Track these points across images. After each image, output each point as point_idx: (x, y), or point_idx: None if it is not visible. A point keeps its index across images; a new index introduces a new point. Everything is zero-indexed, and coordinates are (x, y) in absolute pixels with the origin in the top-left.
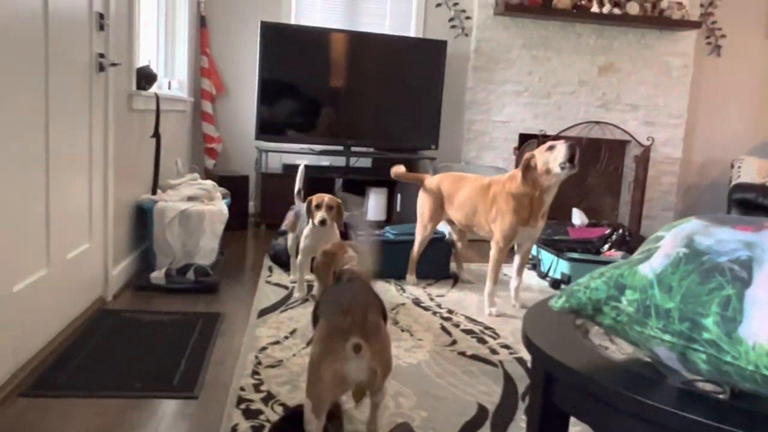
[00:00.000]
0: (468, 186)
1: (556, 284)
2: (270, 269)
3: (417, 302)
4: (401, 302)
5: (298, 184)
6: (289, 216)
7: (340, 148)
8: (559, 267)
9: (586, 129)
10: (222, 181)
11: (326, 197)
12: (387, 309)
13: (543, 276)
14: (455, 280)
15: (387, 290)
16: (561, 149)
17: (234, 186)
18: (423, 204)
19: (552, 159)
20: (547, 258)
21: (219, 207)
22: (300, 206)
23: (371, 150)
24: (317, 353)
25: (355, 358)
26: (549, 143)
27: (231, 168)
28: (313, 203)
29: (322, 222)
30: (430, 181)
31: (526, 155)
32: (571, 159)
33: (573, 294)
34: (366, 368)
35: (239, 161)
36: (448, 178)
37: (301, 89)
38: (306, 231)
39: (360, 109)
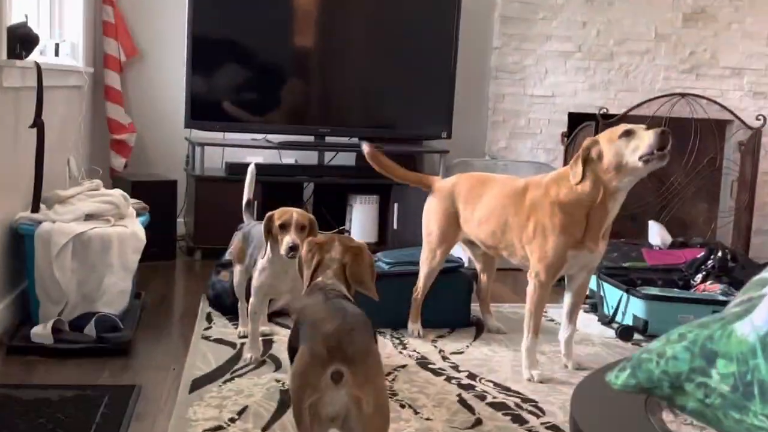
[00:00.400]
0: (494, 191)
1: (626, 333)
2: (209, 318)
3: (424, 363)
4: (401, 363)
5: (247, 192)
6: (236, 240)
7: (310, 138)
8: (631, 308)
9: (666, 105)
10: (137, 189)
11: (295, 213)
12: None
13: (607, 321)
14: (479, 329)
15: (381, 346)
16: (648, 136)
17: (155, 197)
18: (431, 219)
19: (630, 148)
20: (612, 295)
21: (132, 228)
22: (252, 225)
23: (355, 141)
24: (295, 387)
25: (334, 389)
26: (624, 127)
27: (150, 170)
28: (276, 222)
29: (292, 250)
30: (442, 185)
31: (586, 142)
32: (661, 148)
33: (641, 365)
34: (348, 399)
35: (162, 160)
36: (466, 181)
37: (253, 53)
38: (262, 263)
39: (339, 81)
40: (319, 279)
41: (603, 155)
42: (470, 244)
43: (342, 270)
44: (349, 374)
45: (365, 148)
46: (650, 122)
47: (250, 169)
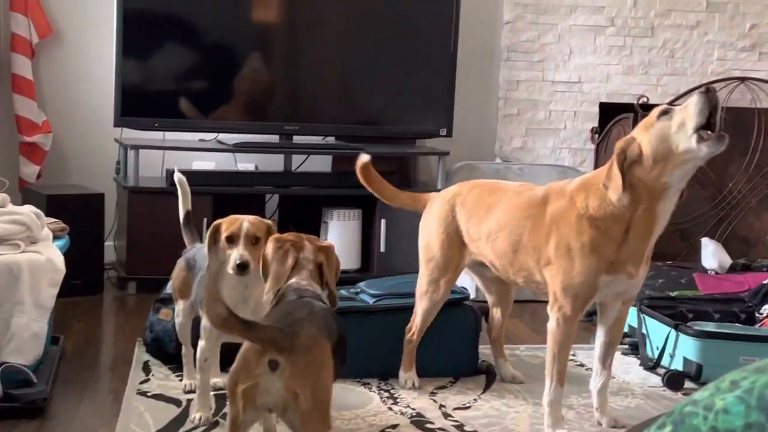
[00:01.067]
0: (506, 202)
1: (675, 381)
2: (146, 368)
3: (420, 422)
4: (390, 423)
5: (182, 204)
6: (179, 269)
7: (274, 138)
8: (681, 349)
9: (723, 92)
10: (54, 205)
11: (246, 221)
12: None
13: (651, 366)
14: (490, 377)
15: (366, 400)
16: (692, 102)
17: (77, 215)
18: (431, 240)
19: (675, 126)
20: (657, 332)
21: (47, 255)
22: (198, 249)
23: (331, 142)
24: (234, 369)
25: (270, 377)
26: (657, 109)
27: (70, 181)
28: (223, 233)
29: (242, 267)
30: (440, 196)
31: (619, 143)
32: (712, 113)
33: (684, 421)
34: (284, 390)
35: (85, 168)
36: (470, 190)
37: (201, 32)
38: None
39: (310, 67)
40: (293, 280)
41: (643, 150)
42: (478, 268)
43: (317, 270)
44: (287, 365)
45: (362, 159)
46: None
47: (177, 178)
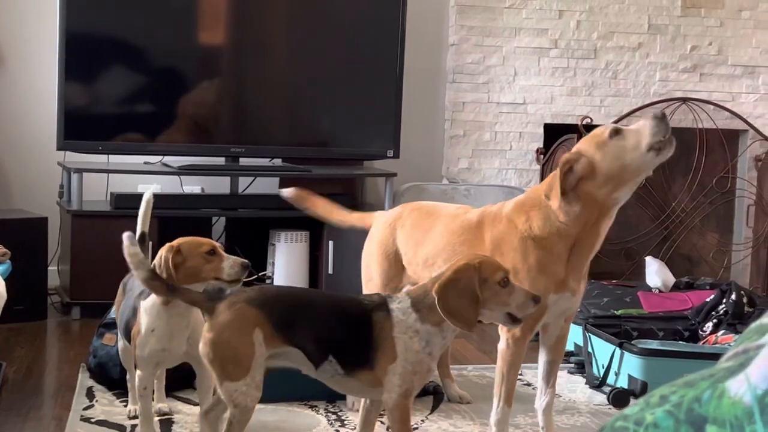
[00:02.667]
0: (441, 226)
1: (620, 399)
2: (89, 394)
3: None
4: None
5: (140, 224)
6: (119, 294)
7: (220, 160)
8: (626, 366)
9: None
10: None
11: (190, 243)
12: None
13: (597, 384)
14: (437, 398)
15: (313, 423)
16: (646, 125)
17: (19, 239)
18: (370, 261)
19: (630, 145)
20: (602, 351)
21: None
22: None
23: (277, 164)
24: None
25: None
26: (607, 128)
27: (11, 205)
28: (199, 250)
29: (246, 268)
30: (383, 219)
31: (565, 157)
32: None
33: None
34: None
35: (27, 191)
36: (410, 213)
37: (145, 54)
38: (149, 321)
39: (255, 88)
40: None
41: (596, 166)
42: None
43: None
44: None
45: (287, 193)
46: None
47: (147, 197)
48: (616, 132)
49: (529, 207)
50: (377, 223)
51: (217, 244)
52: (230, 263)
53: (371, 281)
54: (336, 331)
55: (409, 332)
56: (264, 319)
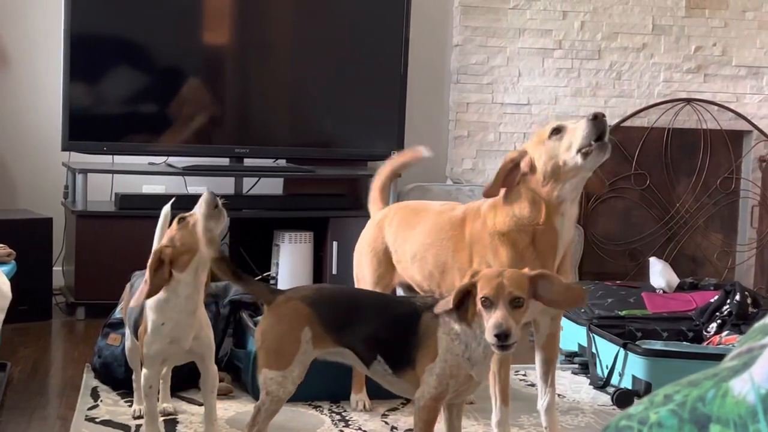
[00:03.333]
0: (428, 223)
1: (624, 399)
2: (94, 394)
3: None
4: None
5: (157, 241)
6: (126, 293)
7: (225, 161)
8: (630, 367)
9: (669, 113)
10: (0, 230)
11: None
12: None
13: (601, 385)
14: None
15: (317, 423)
16: (581, 126)
17: (24, 240)
18: (361, 260)
19: (564, 146)
20: (606, 352)
21: None
22: (139, 275)
23: (282, 164)
24: None
25: None
26: (551, 125)
27: (17, 205)
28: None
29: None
30: (372, 219)
31: (510, 155)
32: (599, 137)
33: None
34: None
35: (33, 192)
36: (398, 212)
37: (149, 55)
38: (156, 320)
39: (260, 89)
40: None
41: (535, 164)
42: (410, 290)
43: None
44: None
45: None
46: (649, 134)
47: (165, 210)
48: (556, 131)
49: (497, 203)
50: (368, 224)
51: (187, 214)
52: (202, 201)
53: (362, 280)
54: (384, 332)
55: (452, 334)
56: (315, 319)
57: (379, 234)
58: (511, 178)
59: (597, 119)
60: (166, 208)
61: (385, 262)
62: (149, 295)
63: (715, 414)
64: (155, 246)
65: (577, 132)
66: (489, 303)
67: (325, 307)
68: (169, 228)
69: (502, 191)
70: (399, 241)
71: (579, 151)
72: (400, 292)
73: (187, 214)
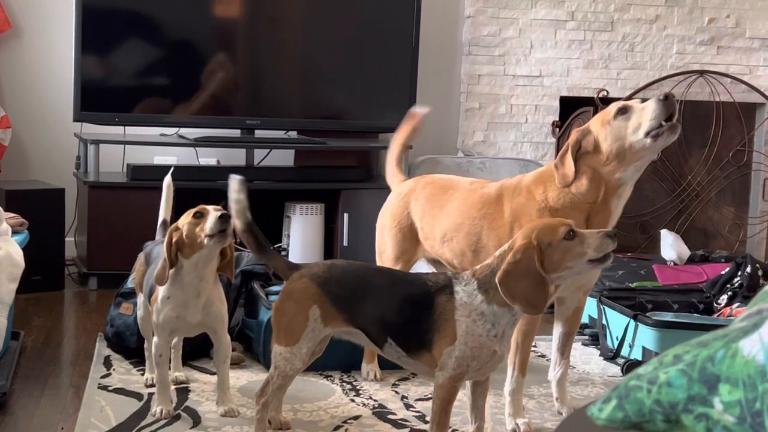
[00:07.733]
0: (459, 200)
1: (634, 370)
2: (107, 363)
3: (382, 413)
4: (353, 414)
5: (163, 210)
6: (139, 263)
7: (236, 133)
8: (640, 338)
9: (682, 85)
10: (13, 200)
11: (185, 215)
12: None
13: (611, 356)
14: None
15: (328, 392)
16: (650, 106)
17: (36, 210)
18: (384, 233)
19: (632, 127)
20: (617, 323)
21: (6, 250)
22: (158, 242)
23: (293, 136)
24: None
25: None
26: (616, 105)
27: (30, 176)
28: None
29: (222, 221)
30: (396, 191)
31: (574, 134)
32: (669, 117)
33: (629, 395)
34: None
35: (45, 163)
36: (425, 187)
37: (161, 25)
38: (165, 289)
39: (271, 61)
40: None
41: (599, 144)
42: (436, 263)
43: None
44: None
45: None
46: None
47: (166, 181)
48: (623, 111)
49: (546, 178)
50: (391, 196)
51: (209, 207)
52: (212, 219)
53: (384, 253)
54: (394, 314)
55: (473, 315)
56: (323, 297)
57: (405, 208)
58: (577, 155)
59: (667, 99)
60: (168, 179)
61: (410, 236)
62: (169, 268)
63: (724, 374)
64: (161, 216)
65: (646, 113)
66: (572, 234)
67: (334, 286)
68: (186, 213)
69: (561, 168)
70: (427, 218)
71: (648, 133)
72: (424, 266)
73: (206, 208)
